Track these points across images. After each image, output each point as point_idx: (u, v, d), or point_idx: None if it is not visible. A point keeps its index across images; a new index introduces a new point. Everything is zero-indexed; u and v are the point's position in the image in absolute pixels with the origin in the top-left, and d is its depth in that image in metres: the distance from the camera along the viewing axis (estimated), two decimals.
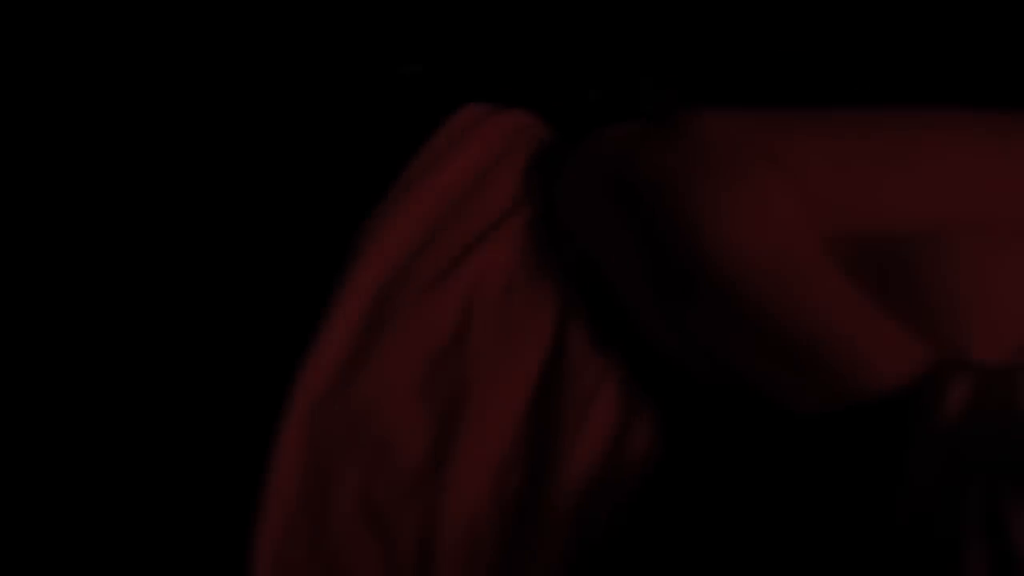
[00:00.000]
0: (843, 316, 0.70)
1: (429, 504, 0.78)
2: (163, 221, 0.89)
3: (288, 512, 0.79)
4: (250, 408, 0.81)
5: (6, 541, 0.82)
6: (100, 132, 0.95)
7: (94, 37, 1.03)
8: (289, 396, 0.79)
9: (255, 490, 0.79)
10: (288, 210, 0.88)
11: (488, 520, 0.78)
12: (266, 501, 0.78)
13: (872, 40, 1.13)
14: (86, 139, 0.95)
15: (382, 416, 0.79)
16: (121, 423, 0.83)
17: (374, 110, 0.94)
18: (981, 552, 0.56)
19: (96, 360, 0.84)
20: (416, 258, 0.83)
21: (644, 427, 0.78)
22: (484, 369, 0.80)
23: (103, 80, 0.99)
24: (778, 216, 0.74)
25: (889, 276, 0.73)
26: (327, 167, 0.90)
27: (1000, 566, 0.55)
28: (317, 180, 0.89)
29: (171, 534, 0.81)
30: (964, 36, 1.09)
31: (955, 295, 0.71)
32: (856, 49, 1.11)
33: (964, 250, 0.72)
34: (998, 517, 0.56)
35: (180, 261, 0.87)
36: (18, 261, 0.89)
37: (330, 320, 0.81)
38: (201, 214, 0.89)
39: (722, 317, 0.73)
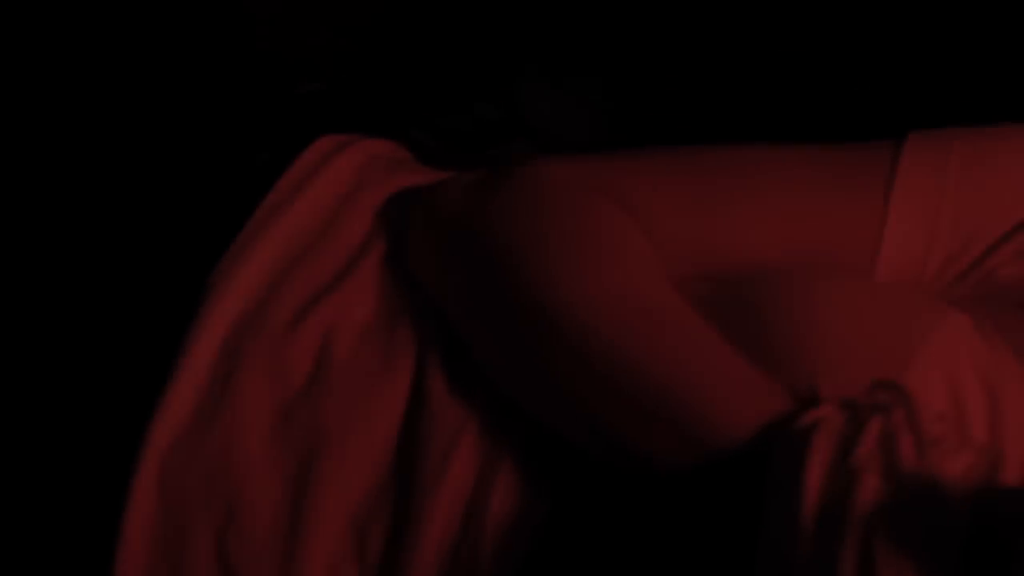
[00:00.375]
0: (700, 360, 0.68)
1: (287, 561, 0.76)
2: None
3: (142, 570, 0.77)
4: (97, 463, 0.79)
5: None
6: None
7: None
8: (139, 449, 0.77)
9: (107, 549, 0.77)
10: (172, 237, 0.86)
11: None
12: (119, 559, 0.76)
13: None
14: None
15: (234, 469, 0.77)
16: None
17: (273, 130, 0.92)
18: None
19: None
20: (269, 302, 0.81)
21: (505, 482, 0.75)
22: (341, 417, 0.77)
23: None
24: (629, 259, 0.73)
25: (739, 317, 0.71)
26: (224, 190, 0.87)
27: None
28: (212, 204, 0.87)
29: None
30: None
31: (800, 335, 0.69)
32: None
33: (808, 289, 0.72)
34: None
35: (33, 287, 0.84)
36: None
37: (180, 367, 0.78)
38: (67, 236, 0.87)
39: (576, 372, 0.71)
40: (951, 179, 0.76)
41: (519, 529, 0.74)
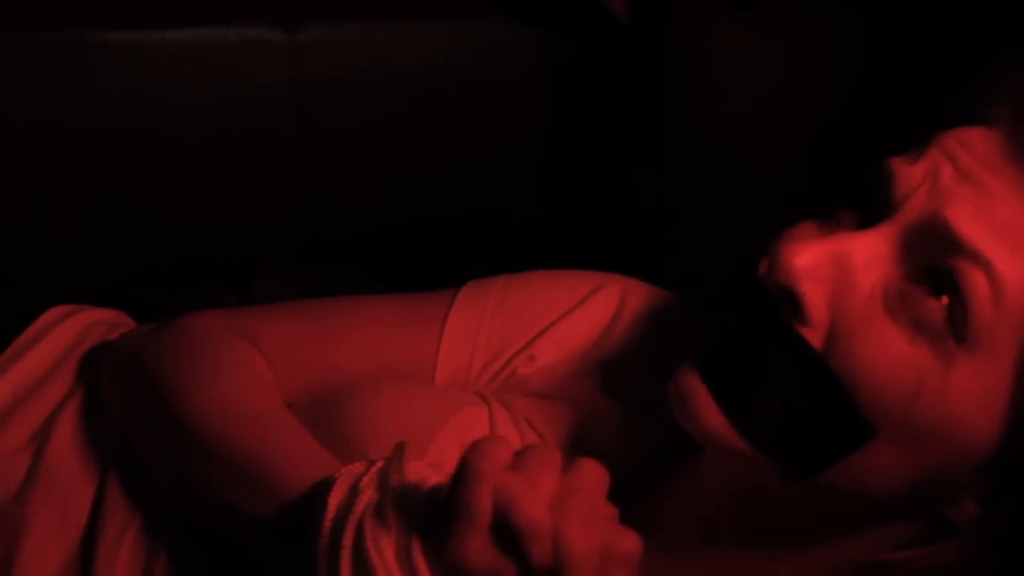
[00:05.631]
0: (289, 450, 0.93)
1: None
2: None
3: None
4: None
5: None
6: None
7: None
8: None
9: None
10: None
11: None
12: None
13: None
14: None
15: None
16: None
17: None
18: None
19: None
20: None
21: (165, 565, 1.00)
22: (41, 514, 1.02)
23: None
24: (246, 380, 1.00)
25: (325, 418, 0.99)
26: None
27: None
28: None
29: None
30: None
31: (358, 426, 0.98)
32: None
33: (372, 394, 1.01)
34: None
35: None
36: None
37: None
38: None
39: (201, 462, 0.95)
40: (488, 312, 1.07)
41: None
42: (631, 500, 0.84)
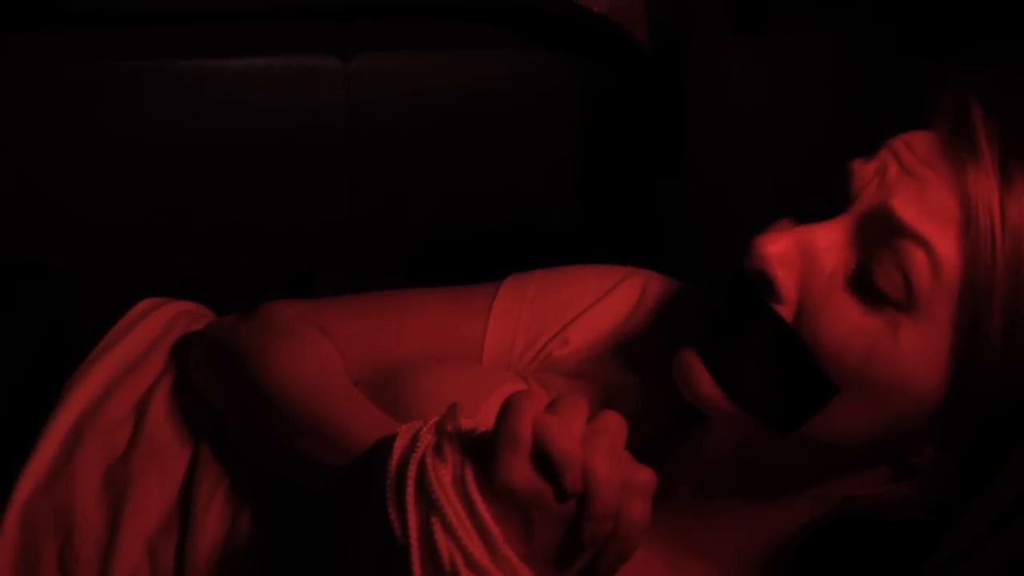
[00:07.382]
0: (356, 414, 1.08)
1: (103, 568, 1.14)
2: None
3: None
4: None
5: None
6: None
7: None
8: (8, 493, 1.16)
9: None
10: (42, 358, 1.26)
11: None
12: None
13: None
14: None
15: (74, 505, 1.16)
16: None
17: None
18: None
19: None
20: (103, 405, 1.22)
21: (250, 515, 1.15)
22: (143, 475, 1.18)
23: None
24: (318, 359, 1.16)
25: (386, 391, 1.14)
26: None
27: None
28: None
29: None
30: None
31: (415, 398, 1.13)
32: None
33: (425, 371, 1.16)
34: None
35: None
36: None
37: (42, 441, 1.19)
38: None
39: (282, 424, 1.11)
40: (527, 301, 1.23)
41: (262, 540, 1.15)
42: (648, 464, 0.97)
